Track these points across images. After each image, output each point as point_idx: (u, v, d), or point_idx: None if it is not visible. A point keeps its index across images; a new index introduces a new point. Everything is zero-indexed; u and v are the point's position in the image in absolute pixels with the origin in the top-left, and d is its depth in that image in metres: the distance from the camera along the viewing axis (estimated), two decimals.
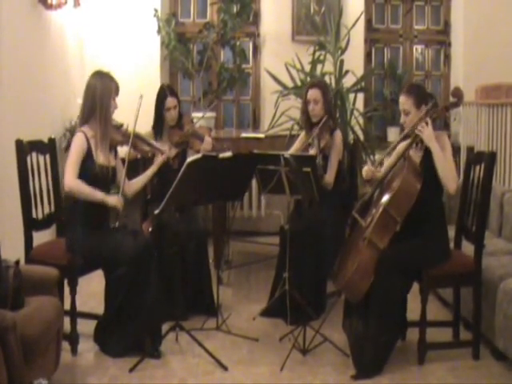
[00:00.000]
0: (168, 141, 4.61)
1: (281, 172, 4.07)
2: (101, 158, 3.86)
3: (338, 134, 4.67)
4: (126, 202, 3.98)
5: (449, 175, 3.65)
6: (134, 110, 3.99)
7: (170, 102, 4.61)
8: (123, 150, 4.11)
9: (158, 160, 4.24)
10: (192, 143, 4.69)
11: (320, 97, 4.62)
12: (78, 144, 3.83)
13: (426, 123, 3.68)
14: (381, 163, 3.95)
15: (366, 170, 3.93)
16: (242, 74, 6.73)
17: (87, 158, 3.83)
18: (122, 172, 4.03)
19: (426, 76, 7.25)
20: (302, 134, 4.84)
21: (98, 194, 3.81)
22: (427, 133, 3.68)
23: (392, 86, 7.09)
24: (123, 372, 3.64)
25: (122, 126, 4.03)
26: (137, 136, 4.09)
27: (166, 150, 4.29)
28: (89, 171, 3.81)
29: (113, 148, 4.02)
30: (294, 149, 4.73)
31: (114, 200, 3.83)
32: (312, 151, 4.44)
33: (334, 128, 4.65)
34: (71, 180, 3.76)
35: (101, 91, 3.86)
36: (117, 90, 3.93)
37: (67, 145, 4.88)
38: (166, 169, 4.44)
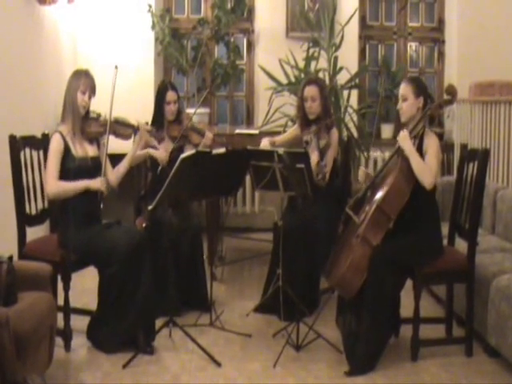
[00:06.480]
0: (167, 135, 4.62)
1: (274, 168, 4.06)
2: (79, 151, 3.89)
3: (335, 132, 4.67)
4: (113, 192, 3.98)
5: (423, 172, 3.65)
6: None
7: (171, 95, 4.63)
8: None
9: (136, 138, 4.11)
10: (191, 137, 4.68)
11: (318, 94, 4.60)
12: (55, 145, 3.85)
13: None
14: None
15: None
16: (235, 70, 6.71)
17: (66, 155, 3.86)
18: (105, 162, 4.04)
19: (420, 73, 7.25)
20: (295, 126, 4.83)
21: (79, 184, 3.84)
22: (403, 142, 3.73)
23: (386, 83, 7.09)
24: (116, 368, 3.64)
25: (99, 116, 4.00)
26: (116, 122, 4.02)
27: (142, 125, 4.19)
28: (71, 166, 3.84)
29: (94, 140, 4.02)
30: (283, 139, 4.76)
31: (97, 183, 3.85)
32: (312, 153, 4.41)
33: (331, 126, 4.65)
34: (52, 185, 3.82)
35: (68, 87, 3.92)
36: (87, 87, 3.88)
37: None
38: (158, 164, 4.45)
